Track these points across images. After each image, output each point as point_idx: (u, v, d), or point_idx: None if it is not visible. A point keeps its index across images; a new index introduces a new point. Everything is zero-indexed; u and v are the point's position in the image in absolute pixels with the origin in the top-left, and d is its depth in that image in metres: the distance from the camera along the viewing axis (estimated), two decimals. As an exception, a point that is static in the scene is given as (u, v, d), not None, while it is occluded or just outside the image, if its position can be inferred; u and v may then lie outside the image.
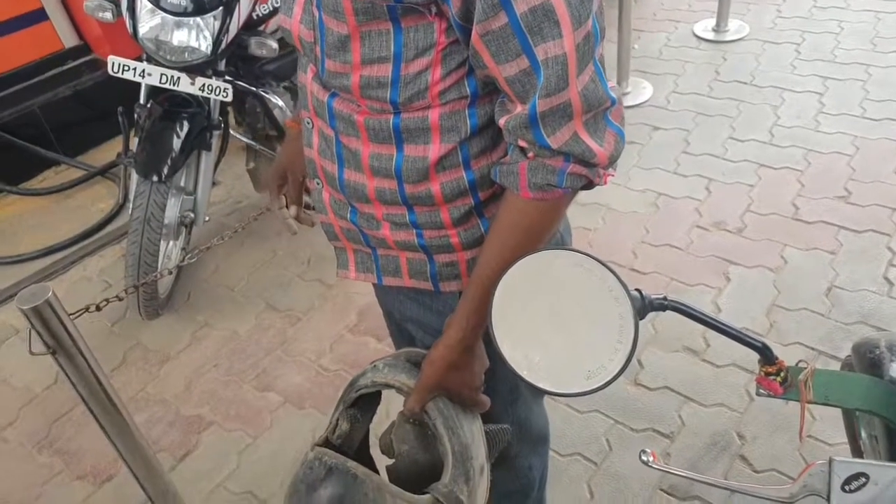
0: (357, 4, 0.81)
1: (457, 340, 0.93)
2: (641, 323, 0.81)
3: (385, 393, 1.04)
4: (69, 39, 3.47)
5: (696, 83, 3.50)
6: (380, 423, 1.09)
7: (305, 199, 1.28)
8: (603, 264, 0.80)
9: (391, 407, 1.02)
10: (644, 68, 3.66)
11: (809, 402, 0.94)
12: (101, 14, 2.30)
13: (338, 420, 1.03)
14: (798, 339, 2.14)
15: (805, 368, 0.94)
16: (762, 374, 0.96)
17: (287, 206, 1.27)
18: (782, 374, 0.94)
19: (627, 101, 3.38)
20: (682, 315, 0.91)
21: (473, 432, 0.99)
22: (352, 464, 0.94)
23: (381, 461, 1.05)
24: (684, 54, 3.77)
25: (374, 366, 1.03)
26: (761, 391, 0.97)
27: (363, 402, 1.05)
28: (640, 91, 3.48)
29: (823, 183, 2.74)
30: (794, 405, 0.95)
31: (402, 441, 1.00)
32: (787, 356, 0.97)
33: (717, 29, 3.88)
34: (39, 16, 3.32)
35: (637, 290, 0.86)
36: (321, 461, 0.96)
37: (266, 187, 1.42)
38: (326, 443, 1.02)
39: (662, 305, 0.90)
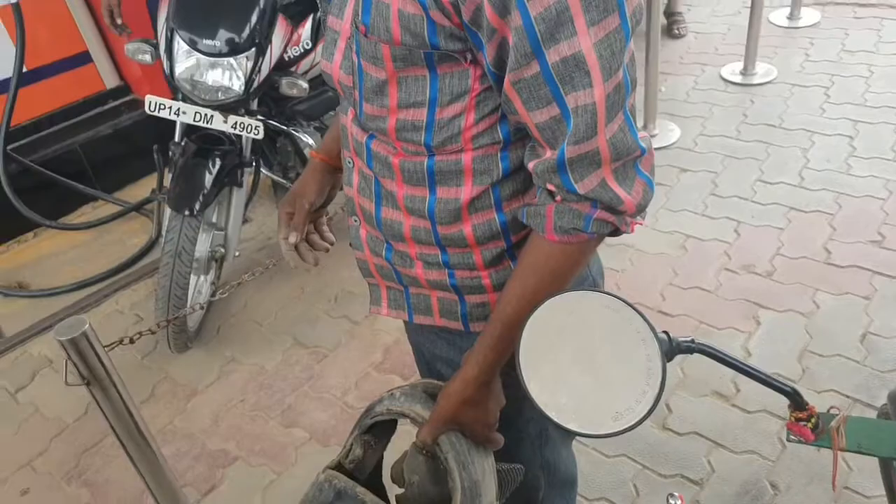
0: (395, 51, 0.83)
1: (473, 376, 0.93)
2: (669, 366, 0.81)
3: (404, 426, 1.04)
4: (111, 80, 3.59)
5: (724, 126, 3.50)
6: (395, 453, 1.09)
7: (314, 236, 1.24)
8: (630, 306, 0.80)
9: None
10: (671, 111, 3.68)
11: (842, 450, 0.92)
12: (140, 56, 2.39)
13: (352, 445, 1.04)
14: (832, 386, 2.09)
15: (837, 415, 0.93)
16: (793, 419, 0.94)
17: (287, 237, 1.20)
18: (813, 420, 0.93)
19: (655, 143, 3.36)
20: (710, 358, 0.91)
21: (485, 469, 0.98)
22: (360, 490, 0.95)
23: (393, 490, 1.04)
24: (712, 97, 3.78)
25: (392, 394, 1.03)
26: (792, 437, 0.95)
27: (378, 430, 1.05)
28: (667, 133, 3.49)
29: (856, 227, 2.70)
30: (828, 454, 0.93)
31: (413, 472, 0.99)
32: (820, 404, 0.95)
33: (745, 72, 3.89)
34: (84, 58, 3.46)
35: (664, 332, 0.86)
36: (331, 484, 0.96)
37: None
38: (339, 466, 1.02)
39: (690, 348, 0.89)
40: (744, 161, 3.21)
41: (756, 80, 3.84)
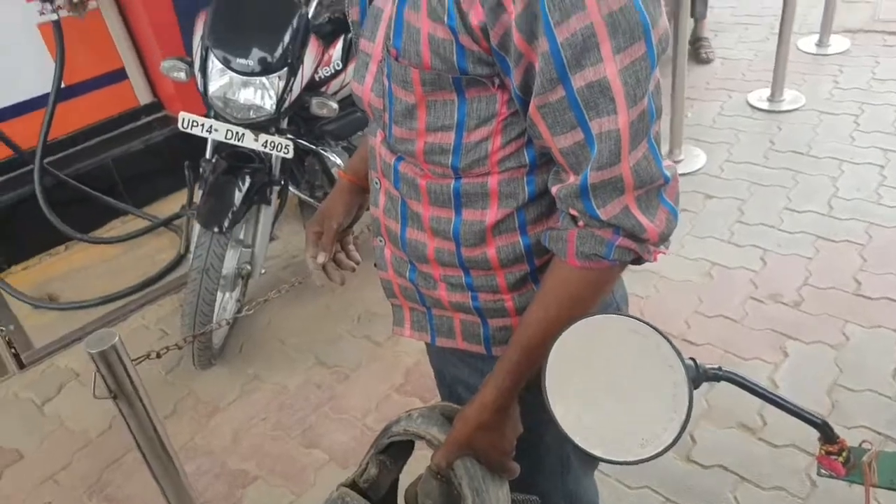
0: (424, 76, 0.85)
1: (491, 400, 0.93)
2: (694, 395, 0.80)
3: (421, 450, 1.03)
4: (144, 97, 3.67)
5: (751, 152, 3.47)
6: (411, 476, 1.08)
7: (340, 255, 1.26)
8: (657, 330, 0.80)
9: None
10: (697, 136, 3.66)
11: (874, 486, 0.90)
12: (175, 74, 2.44)
13: (367, 464, 1.03)
14: (863, 422, 2.04)
15: (869, 449, 0.91)
16: (823, 452, 0.92)
17: (315, 256, 1.23)
18: (844, 454, 0.91)
19: (681, 169, 3.38)
20: (736, 386, 0.90)
21: (499, 498, 0.97)
22: None
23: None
24: (738, 123, 3.76)
25: (409, 414, 1.03)
26: (822, 471, 0.93)
27: (395, 450, 1.05)
28: (693, 159, 3.48)
29: (887, 258, 2.65)
30: (859, 493, 0.91)
31: (427, 496, 0.99)
32: (851, 441, 0.93)
33: (772, 99, 3.86)
34: (121, 75, 3.54)
35: (691, 358, 0.85)
36: (343, 501, 0.96)
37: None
38: (353, 485, 1.02)
39: (717, 375, 0.88)
40: (771, 188, 3.18)
41: (784, 107, 3.82)
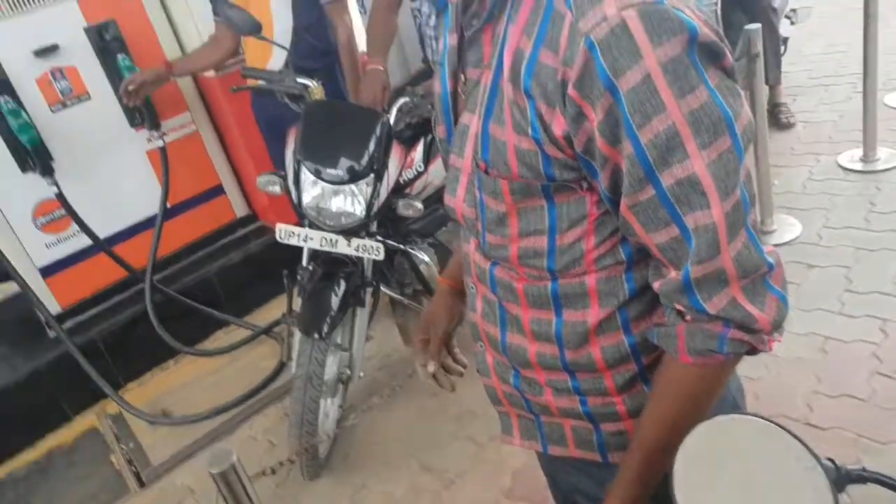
0: (513, 185, 0.87)
1: None
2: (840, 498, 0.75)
3: None
4: (240, 210, 3.87)
5: (850, 216, 3.31)
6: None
7: (447, 361, 1.28)
8: (787, 431, 0.76)
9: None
10: (788, 204, 3.52)
11: None
12: (270, 188, 2.56)
13: None
14: None
15: None
16: None
17: (426, 364, 1.26)
18: None
19: (774, 240, 3.25)
20: (888, 489, 0.83)
21: None
22: None
23: None
24: (831, 187, 3.60)
25: None
26: None
27: None
28: (787, 228, 3.34)
29: None
30: None
31: None
32: None
33: (866, 159, 3.70)
34: (218, 191, 3.77)
35: (829, 459, 0.80)
36: None
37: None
38: None
39: (862, 477, 0.82)
40: (879, 253, 3.00)
41: (880, 167, 3.64)
